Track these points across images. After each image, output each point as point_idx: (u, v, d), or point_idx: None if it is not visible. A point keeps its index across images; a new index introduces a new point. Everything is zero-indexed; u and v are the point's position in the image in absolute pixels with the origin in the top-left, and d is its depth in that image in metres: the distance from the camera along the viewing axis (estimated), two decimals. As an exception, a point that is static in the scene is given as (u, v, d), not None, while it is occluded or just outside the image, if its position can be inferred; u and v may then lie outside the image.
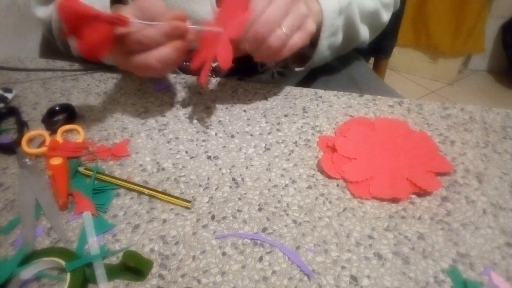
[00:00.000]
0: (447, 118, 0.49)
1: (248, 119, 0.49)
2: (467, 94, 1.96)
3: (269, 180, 0.40)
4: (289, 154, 0.43)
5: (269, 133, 0.46)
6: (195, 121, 0.48)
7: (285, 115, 0.49)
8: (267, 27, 0.41)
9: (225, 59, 0.40)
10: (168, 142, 0.45)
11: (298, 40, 0.44)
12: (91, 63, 0.60)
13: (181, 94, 0.54)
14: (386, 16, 0.62)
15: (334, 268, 0.32)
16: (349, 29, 0.56)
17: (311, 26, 0.45)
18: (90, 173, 0.40)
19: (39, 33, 0.73)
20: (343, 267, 0.32)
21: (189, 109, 0.50)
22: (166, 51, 0.42)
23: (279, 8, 0.41)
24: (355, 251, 0.33)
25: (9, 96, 0.52)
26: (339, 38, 0.55)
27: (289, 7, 0.42)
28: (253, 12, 0.40)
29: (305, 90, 0.54)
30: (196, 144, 0.45)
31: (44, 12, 0.59)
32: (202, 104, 0.51)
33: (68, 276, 0.30)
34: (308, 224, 0.36)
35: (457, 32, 1.84)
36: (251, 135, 0.46)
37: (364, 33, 0.60)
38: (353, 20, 0.55)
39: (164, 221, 0.36)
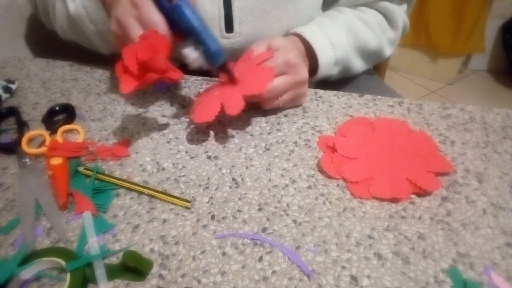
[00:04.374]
0: (447, 118, 0.49)
1: (248, 119, 0.49)
2: (467, 94, 1.96)
3: (269, 180, 0.40)
4: (289, 154, 0.43)
5: (269, 133, 0.46)
6: (195, 121, 0.48)
7: (285, 115, 0.49)
8: (267, 95, 0.45)
9: (235, 108, 0.42)
10: (168, 142, 0.45)
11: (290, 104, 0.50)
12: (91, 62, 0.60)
13: (181, 94, 0.53)
14: (388, 52, 0.64)
15: (334, 268, 0.32)
16: (344, 71, 0.59)
17: (305, 90, 0.50)
18: (90, 173, 0.40)
19: (39, 33, 0.73)
20: (343, 267, 0.32)
21: (189, 109, 0.50)
22: None
23: (284, 84, 0.46)
24: (355, 251, 0.33)
25: (13, 86, 0.53)
26: (332, 78, 0.59)
27: (291, 84, 0.47)
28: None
29: (305, 90, 0.54)
30: (196, 144, 0.45)
31: None
32: (202, 104, 0.51)
33: (68, 276, 0.30)
34: (308, 224, 0.36)
35: (457, 32, 1.84)
36: (251, 135, 0.46)
37: (361, 68, 0.62)
38: (349, 64, 0.59)
39: (164, 221, 0.36)
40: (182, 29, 0.40)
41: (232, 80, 0.44)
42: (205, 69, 0.44)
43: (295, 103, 0.50)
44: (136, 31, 0.40)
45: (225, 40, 0.55)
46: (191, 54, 0.41)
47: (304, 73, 0.48)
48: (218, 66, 0.43)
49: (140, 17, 0.40)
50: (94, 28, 0.54)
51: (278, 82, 0.45)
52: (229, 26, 0.54)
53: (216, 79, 0.52)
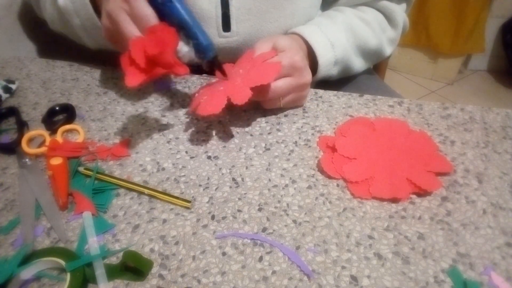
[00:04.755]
0: (447, 118, 0.49)
1: (248, 119, 0.49)
2: (467, 94, 1.96)
3: (269, 180, 0.40)
4: (289, 154, 0.43)
5: (269, 133, 0.46)
6: (195, 121, 0.48)
7: (285, 115, 0.49)
8: (269, 95, 0.45)
9: (242, 98, 0.42)
10: (168, 142, 0.45)
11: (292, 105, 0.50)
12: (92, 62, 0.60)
13: (181, 94, 0.53)
14: (389, 51, 0.64)
15: (334, 268, 0.32)
16: (344, 71, 0.59)
17: (307, 92, 0.50)
18: (90, 173, 0.40)
19: (39, 33, 0.73)
20: (343, 267, 0.32)
21: (189, 109, 0.50)
22: None
23: (287, 86, 0.46)
24: (355, 251, 0.33)
25: (13, 86, 0.53)
26: (332, 78, 0.59)
27: (295, 86, 0.47)
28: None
29: (305, 90, 0.54)
30: (196, 144, 0.45)
31: None
32: (202, 104, 0.51)
33: (68, 276, 0.30)
34: (308, 224, 0.36)
35: (457, 32, 1.84)
36: (251, 135, 0.46)
37: (361, 67, 0.62)
38: (349, 64, 0.59)
39: (164, 221, 0.36)
40: (173, 24, 0.41)
41: (222, 74, 0.45)
42: (195, 64, 0.44)
43: (296, 104, 0.50)
44: (128, 25, 0.40)
45: (222, 39, 0.55)
46: (183, 48, 0.42)
47: (308, 76, 0.48)
48: (209, 59, 0.43)
49: (131, 11, 0.40)
50: (80, 22, 0.54)
51: (282, 83, 0.45)
52: (226, 25, 0.54)
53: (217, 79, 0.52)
